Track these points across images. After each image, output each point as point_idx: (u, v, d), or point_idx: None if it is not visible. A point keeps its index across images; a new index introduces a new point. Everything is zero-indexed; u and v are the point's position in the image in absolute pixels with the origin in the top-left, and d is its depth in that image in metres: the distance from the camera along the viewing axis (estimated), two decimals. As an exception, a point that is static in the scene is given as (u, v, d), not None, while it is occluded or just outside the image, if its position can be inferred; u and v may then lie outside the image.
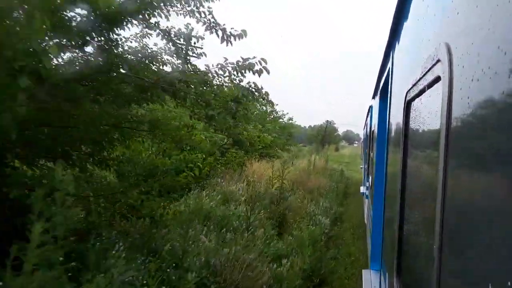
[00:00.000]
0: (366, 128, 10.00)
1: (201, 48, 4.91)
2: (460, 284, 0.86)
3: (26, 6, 2.87)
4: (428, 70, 1.22)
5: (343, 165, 31.08)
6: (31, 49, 2.79)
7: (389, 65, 2.85)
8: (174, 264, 4.48)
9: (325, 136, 68.70)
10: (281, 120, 30.65)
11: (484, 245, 0.71)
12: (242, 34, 4.56)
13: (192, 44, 4.82)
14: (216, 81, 4.80)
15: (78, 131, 4.13)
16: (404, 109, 1.74)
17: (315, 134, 73.30)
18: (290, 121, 32.40)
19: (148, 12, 4.23)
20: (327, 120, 73.47)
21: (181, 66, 4.82)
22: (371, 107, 7.47)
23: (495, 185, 0.69)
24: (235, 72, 4.50)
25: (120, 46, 4.30)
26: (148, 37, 4.78)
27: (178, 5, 4.50)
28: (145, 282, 3.72)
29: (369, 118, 8.06)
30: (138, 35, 4.75)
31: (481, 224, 0.74)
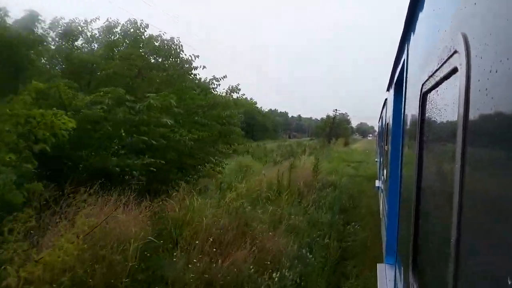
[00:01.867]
0: (382, 121, 9.89)
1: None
2: (477, 279, 0.85)
3: None
4: (445, 62, 1.19)
5: (352, 167, 22.24)
6: None
7: (404, 56, 2.81)
8: None
9: (333, 128, 58.64)
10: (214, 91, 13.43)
11: (502, 240, 0.70)
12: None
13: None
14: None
15: None
16: (419, 101, 1.72)
17: (322, 126, 63.46)
18: (233, 95, 13.88)
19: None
20: (336, 110, 61.39)
21: None
22: (386, 99, 7.38)
23: None
24: None
25: None
26: None
27: None
28: None
29: (384, 111, 7.97)
30: None
31: (499, 218, 0.73)
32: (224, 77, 12.82)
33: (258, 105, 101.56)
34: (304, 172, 13.63)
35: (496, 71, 0.75)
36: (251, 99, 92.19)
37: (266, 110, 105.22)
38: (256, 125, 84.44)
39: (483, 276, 0.81)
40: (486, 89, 0.81)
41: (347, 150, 40.96)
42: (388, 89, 5.89)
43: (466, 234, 0.92)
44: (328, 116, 62.68)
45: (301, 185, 11.54)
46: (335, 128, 59.11)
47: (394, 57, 3.74)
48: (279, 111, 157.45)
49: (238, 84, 13.28)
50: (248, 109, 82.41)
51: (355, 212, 10.87)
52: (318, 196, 10.92)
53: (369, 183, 15.57)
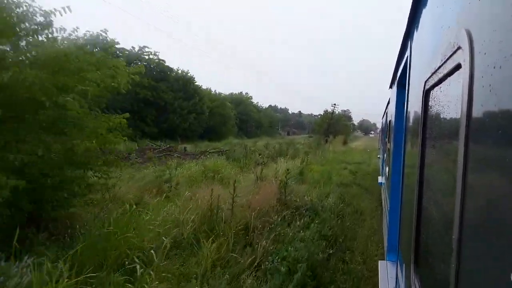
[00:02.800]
0: (385, 118, 9.88)
1: None
2: (479, 276, 0.85)
3: None
4: (448, 58, 1.19)
5: (349, 170, 16.99)
6: None
7: (407, 53, 2.80)
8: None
9: (331, 124, 52.43)
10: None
11: (504, 237, 0.70)
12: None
13: None
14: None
15: None
16: (422, 98, 1.71)
17: (319, 122, 57.25)
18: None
19: None
20: (334, 104, 53.67)
21: None
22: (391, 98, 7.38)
23: None
24: None
25: None
26: None
27: None
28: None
29: (388, 108, 7.97)
30: None
31: (502, 216, 0.73)
32: (65, 8, 5.70)
33: (255, 101, 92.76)
34: (272, 188, 8.67)
35: (500, 67, 0.75)
36: (246, 93, 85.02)
37: (265, 106, 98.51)
38: (250, 121, 78.14)
39: (485, 273, 0.81)
40: (490, 85, 0.80)
41: (346, 149, 35.38)
42: (390, 86, 5.87)
43: (468, 231, 0.92)
44: (326, 111, 56.14)
45: (253, 216, 6.72)
46: (333, 124, 53.52)
47: (397, 54, 3.73)
48: (279, 107, 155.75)
49: (106, 31, 7.08)
50: (241, 103, 76.08)
51: (338, 276, 5.27)
52: (276, 240, 6.05)
53: (372, 198, 10.73)
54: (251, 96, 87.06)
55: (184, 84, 51.01)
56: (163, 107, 46.41)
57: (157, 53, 47.94)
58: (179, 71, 52.40)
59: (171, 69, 50.68)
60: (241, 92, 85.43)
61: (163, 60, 48.78)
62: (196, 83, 53.98)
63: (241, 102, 78.75)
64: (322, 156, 23.25)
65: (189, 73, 53.18)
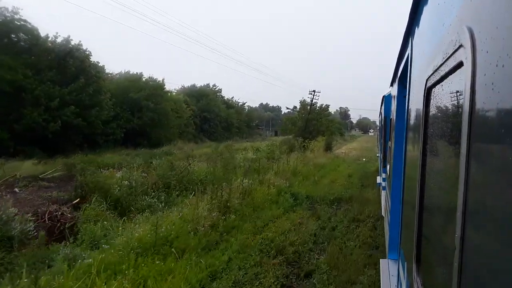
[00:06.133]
0: (381, 117, 9.90)
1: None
2: (481, 274, 0.85)
3: None
4: (450, 56, 1.18)
5: (291, 260, 5.96)
6: None
7: (408, 51, 2.79)
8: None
9: (308, 120, 35.62)
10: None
11: (506, 236, 0.70)
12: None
13: None
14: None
15: None
16: (424, 96, 1.71)
17: (292, 118, 39.92)
18: None
19: None
20: (313, 91, 36.31)
21: None
22: (384, 96, 7.40)
23: None
24: None
25: None
26: None
27: None
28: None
29: (383, 107, 7.98)
30: None
31: (503, 214, 0.72)
32: None
33: (229, 95, 70.80)
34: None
35: (503, 66, 0.74)
36: (214, 86, 64.21)
37: (242, 102, 75.21)
38: (214, 120, 58.76)
39: (487, 271, 0.81)
40: (492, 83, 0.80)
41: (327, 161, 21.81)
42: (391, 84, 5.87)
43: (470, 230, 0.91)
44: (303, 102, 37.66)
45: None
46: (312, 121, 36.22)
47: (398, 51, 3.72)
48: (270, 105, 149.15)
49: None
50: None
51: None
52: None
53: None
54: (220, 89, 65.85)
55: (59, 59, 30.26)
56: (14, 96, 26.38)
57: (18, 10, 27.60)
58: (57, 39, 30.78)
59: (33, 34, 28.42)
60: (207, 84, 64.52)
61: (24, 21, 28.14)
62: (90, 59, 32.07)
63: (203, 96, 57.94)
64: (249, 192, 10.18)
65: (71, 41, 31.15)
